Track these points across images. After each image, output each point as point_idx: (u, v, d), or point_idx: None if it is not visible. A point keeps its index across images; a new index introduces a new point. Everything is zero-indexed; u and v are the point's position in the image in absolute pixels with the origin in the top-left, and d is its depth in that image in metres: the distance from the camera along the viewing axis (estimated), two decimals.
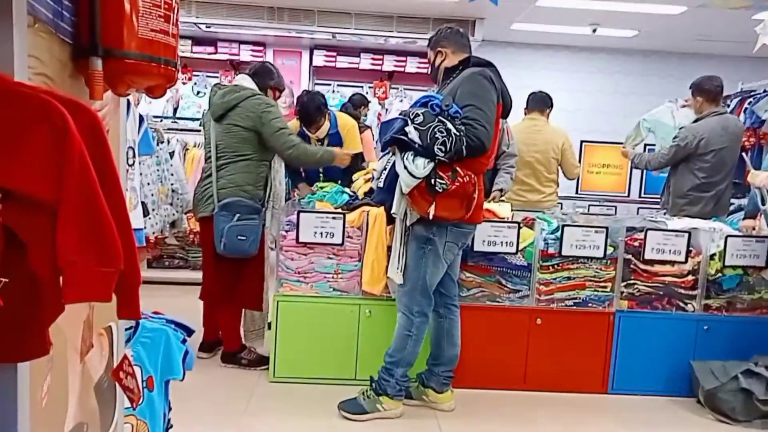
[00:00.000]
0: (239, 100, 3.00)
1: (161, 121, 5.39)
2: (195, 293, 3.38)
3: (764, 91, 4.53)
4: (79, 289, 0.77)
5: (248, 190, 3.04)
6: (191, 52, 6.66)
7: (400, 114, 2.50)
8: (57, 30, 1.08)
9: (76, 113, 0.80)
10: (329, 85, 7.00)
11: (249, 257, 3.06)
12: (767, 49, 4.46)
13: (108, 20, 1.09)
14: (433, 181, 2.33)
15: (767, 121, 4.29)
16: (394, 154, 2.47)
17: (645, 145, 4.68)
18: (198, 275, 4.61)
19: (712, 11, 5.45)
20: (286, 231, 2.97)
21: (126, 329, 1.46)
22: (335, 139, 3.70)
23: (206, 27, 6.32)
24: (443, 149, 2.30)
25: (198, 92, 6.64)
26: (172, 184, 3.66)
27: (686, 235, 3.03)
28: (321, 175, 3.72)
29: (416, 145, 2.32)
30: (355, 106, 5.07)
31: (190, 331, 1.71)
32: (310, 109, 3.58)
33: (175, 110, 6.50)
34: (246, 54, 6.90)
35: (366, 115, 5.72)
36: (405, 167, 2.35)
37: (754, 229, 3.22)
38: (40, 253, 0.78)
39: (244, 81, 3.10)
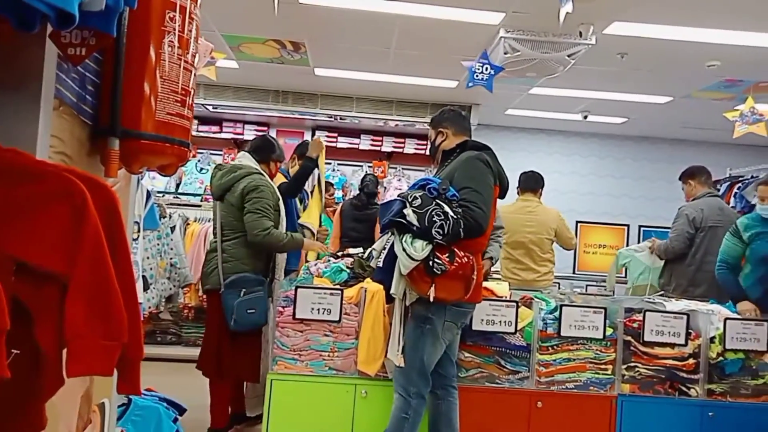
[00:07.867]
0: (234, 181, 3.10)
1: (163, 196, 5.50)
2: (188, 370, 3.30)
3: (752, 176, 4.66)
4: (83, 362, 0.78)
5: (250, 264, 3.11)
6: (197, 131, 6.88)
7: (398, 196, 2.55)
8: (79, 112, 1.15)
9: (95, 191, 0.84)
10: (330, 164, 7.19)
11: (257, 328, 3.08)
12: (753, 137, 4.65)
13: (128, 103, 1.15)
14: (431, 263, 2.35)
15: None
16: (393, 234, 2.50)
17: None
18: (191, 352, 4.54)
19: (697, 101, 5.73)
20: (283, 307, 2.95)
21: (118, 406, 1.43)
22: None
23: (213, 108, 6.58)
24: (440, 232, 2.34)
25: (201, 169, 6.80)
26: (171, 258, 3.68)
27: (685, 317, 3.02)
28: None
29: (414, 228, 2.37)
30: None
31: (182, 410, 1.68)
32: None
33: (177, 185, 6.63)
34: (250, 133, 7.14)
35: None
36: (404, 249, 2.37)
37: (753, 312, 3.21)
38: (46, 325, 0.79)
39: (244, 159, 3.20)
